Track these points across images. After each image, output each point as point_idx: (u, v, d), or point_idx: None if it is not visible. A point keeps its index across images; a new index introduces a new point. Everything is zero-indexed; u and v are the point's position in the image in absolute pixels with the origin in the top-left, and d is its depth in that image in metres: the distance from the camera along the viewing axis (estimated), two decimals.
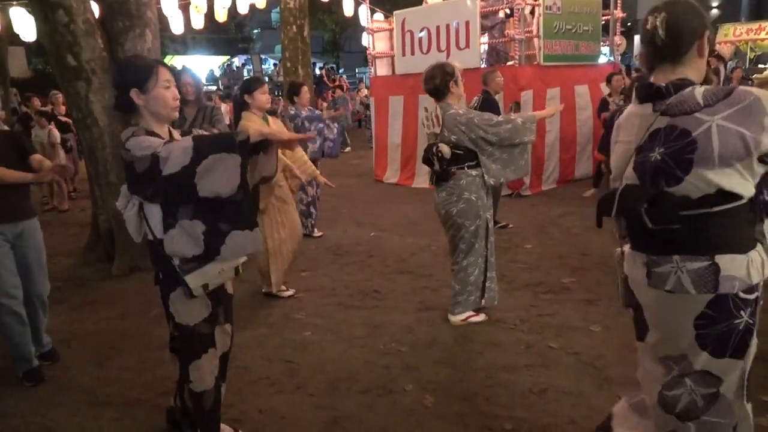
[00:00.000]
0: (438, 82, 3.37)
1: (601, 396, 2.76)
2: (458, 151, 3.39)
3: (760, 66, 15.95)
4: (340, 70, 26.56)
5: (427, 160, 3.48)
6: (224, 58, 27.54)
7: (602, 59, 9.02)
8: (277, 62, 24.30)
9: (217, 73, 25.16)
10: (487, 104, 5.81)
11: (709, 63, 9.24)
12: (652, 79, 1.64)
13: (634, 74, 10.34)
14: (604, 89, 7.63)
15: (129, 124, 2.14)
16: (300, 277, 4.61)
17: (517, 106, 6.40)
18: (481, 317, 3.64)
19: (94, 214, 5.28)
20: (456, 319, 3.60)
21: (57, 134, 7.88)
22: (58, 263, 5.18)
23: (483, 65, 7.85)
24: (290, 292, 4.25)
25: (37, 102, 9.65)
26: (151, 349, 3.47)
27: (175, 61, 24.17)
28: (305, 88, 5.75)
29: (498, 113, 5.88)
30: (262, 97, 3.92)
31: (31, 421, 2.78)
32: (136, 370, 3.23)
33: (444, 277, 4.48)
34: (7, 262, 3.01)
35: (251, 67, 27.04)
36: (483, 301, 3.65)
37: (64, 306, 4.23)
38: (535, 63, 7.71)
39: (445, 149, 3.37)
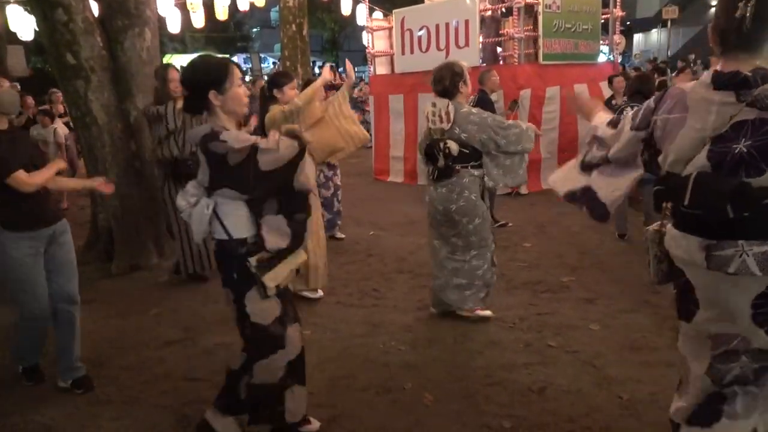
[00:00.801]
0: (447, 83, 3.41)
1: (600, 394, 2.77)
2: (465, 150, 3.41)
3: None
4: (340, 69, 26.55)
5: (431, 155, 3.49)
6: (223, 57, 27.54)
7: (602, 58, 9.02)
8: (276, 61, 24.27)
9: None
10: (483, 103, 5.81)
11: None
12: (720, 67, 1.62)
13: (633, 72, 10.34)
14: (606, 91, 7.63)
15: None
16: (299, 275, 4.60)
17: (515, 104, 6.40)
18: (488, 312, 3.66)
19: (93, 212, 5.28)
20: (466, 313, 3.63)
21: (62, 133, 7.76)
22: None
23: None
24: (320, 294, 4.17)
25: (30, 101, 9.53)
26: (151, 348, 3.48)
27: (174, 59, 24.14)
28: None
29: (494, 112, 5.89)
30: (291, 92, 3.92)
31: (31, 419, 2.78)
32: (135, 369, 3.24)
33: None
34: (39, 270, 2.89)
35: (250, 65, 27.03)
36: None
37: None
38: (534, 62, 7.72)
39: (453, 146, 3.38)
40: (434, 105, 3.43)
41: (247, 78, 20.62)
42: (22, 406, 2.90)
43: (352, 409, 2.73)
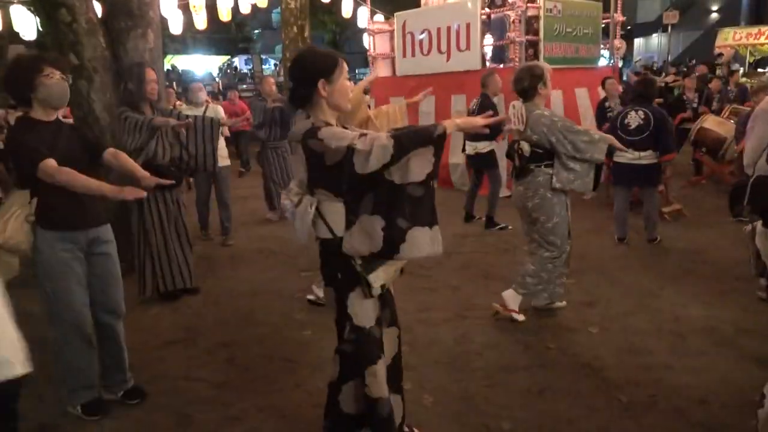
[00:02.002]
0: (526, 85, 3.51)
1: (599, 397, 2.78)
2: (538, 150, 3.50)
3: (759, 70, 15.99)
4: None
5: (510, 155, 3.68)
6: (225, 58, 27.53)
7: (602, 62, 9.05)
8: (278, 62, 24.32)
9: (216, 73, 25.10)
10: (487, 106, 5.83)
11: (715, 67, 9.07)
12: None
13: (633, 78, 10.38)
14: (600, 93, 7.66)
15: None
16: (300, 277, 4.62)
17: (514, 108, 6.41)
18: (521, 317, 3.65)
19: None
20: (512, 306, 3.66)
21: None
22: None
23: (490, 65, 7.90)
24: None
25: None
26: (150, 348, 3.49)
27: (176, 60, 24.17)
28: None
29: (496, 114, 5.91)
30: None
31: (31, 419, 2.79)
32: (135, 368, 3.23)
33: (443, 278, 4.50)
34: (75, 276, 2.61)
35: (251, 66, 27.05)
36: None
37: None
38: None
39: (525, 146, 3.52)
40: (513, 106, 3.57)
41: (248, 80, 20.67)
42: (22, 406, 2.89)
43: None
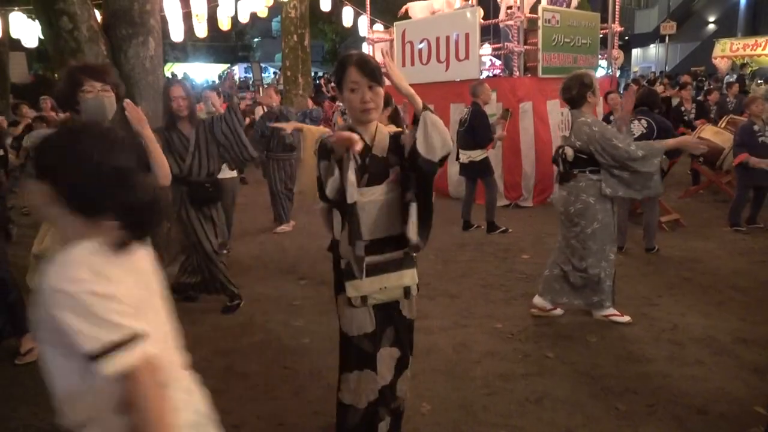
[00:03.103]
0: (574, 93, 3.58)
1: (597, 405, 2.78)
2: (582, 155, 3.56)
3: (758, 81, 16.10)
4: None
5: (555, 160, 3.79)
6: (224, 66, 27.64)
7: (600, 72, 9.10)
8: (278, 71, 24.41)
9: (217, 82, 25.13)
10: (477, 115, 5.88)
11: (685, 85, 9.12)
12: None
13: (633, 86, 10.43)
14: (601, 107, 7.70)
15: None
16: (299, 285, 4.62)
17: (507, 113, 6.43)
18: (626, 318, 3.72)
19: None
20: (599, 314, 3.75)
21: None
22: None
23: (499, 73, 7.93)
24: None
25: (26, 109, 9.51)
26: None
27: (176, 68, 24.25)
28: None
29: (488, 124, 5.95)
30: None
31: (30, 424, 2.78)
32: None
33: (442, 286, 4.51)
34: None
35: (251, 74, 27.17)
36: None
37: None
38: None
39: (569, 152, 3.62)
40: (562, 114, 3.63)
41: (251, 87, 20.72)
42: (21, 411, 2.90)
43: None
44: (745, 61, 17.01)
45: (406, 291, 2.13)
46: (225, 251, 5.70)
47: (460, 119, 6.12)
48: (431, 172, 2.00)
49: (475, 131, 5.85)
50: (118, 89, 2.45)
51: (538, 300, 3.85)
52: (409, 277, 2.13)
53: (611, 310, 3.73)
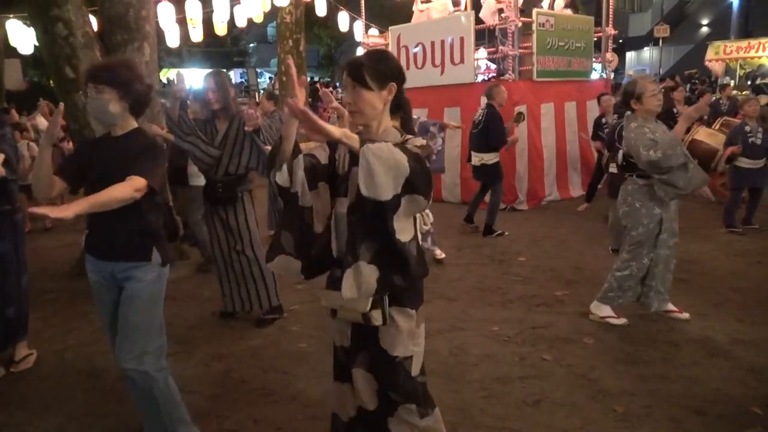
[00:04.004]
0: (620, 100, 3.77)
1: (595, 407, 2.78)
2: (631, 159, 3.62)
3: (749, 83, 16.17)
4: (337, 83, 26.76)
5: (606, 165, 3.98)
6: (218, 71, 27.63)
7: (594, 75, 9.15)
8: (273, 76, 24.45)
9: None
10: (493, 117, 5.89)
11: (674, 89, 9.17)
12: None
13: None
14: (595, 107, 7.73)
15: None
16: (295, 289, 4.61)
17: (521, 116, 6.44)
18: (622, 321, 3.76)
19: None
20: (596, 312, 3.83)
21: (36, 148, 7.58)
22: (53, 274, 5.17)
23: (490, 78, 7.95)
24: None
25: (15, 115, 9.42)
26: None
27: (172, 74, 24.24)
28: None
29: (503, 127, 5.97)
30: None
31: (25, 431, 2.77)
32: None
33: (439, 289, 4.51)
34: (104, 308, 2.46)
35: (246, 80, 27.20)
36: (640, 300, 3.77)
37: (59, 317, 4.22)
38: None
39: (620, 156, 3.78)
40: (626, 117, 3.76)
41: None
42: (17, 417, 2.89)
43: None
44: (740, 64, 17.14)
45: (365, 317, 1.82)
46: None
47: (474, 120, 6.13)
48: (388, 211, 1.68)
49: (489, 133, 5.87)
50: (130, 87, 2.29)
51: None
52: (365, 304, 1.80)
53: (608, 311, 3.77)
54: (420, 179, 1.66)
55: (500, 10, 7.89)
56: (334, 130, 1.63)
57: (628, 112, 3.68)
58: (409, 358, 1.90)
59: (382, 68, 1.84)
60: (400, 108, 1.94)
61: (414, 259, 1.82)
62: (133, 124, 2.40)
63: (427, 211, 2.08)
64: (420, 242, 1.96)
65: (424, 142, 1.81)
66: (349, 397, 2.08)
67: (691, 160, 3.49)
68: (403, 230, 1.77)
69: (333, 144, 1.95)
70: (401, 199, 1.67)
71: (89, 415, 2.89)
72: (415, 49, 8.38)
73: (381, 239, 1.75)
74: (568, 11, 8.74)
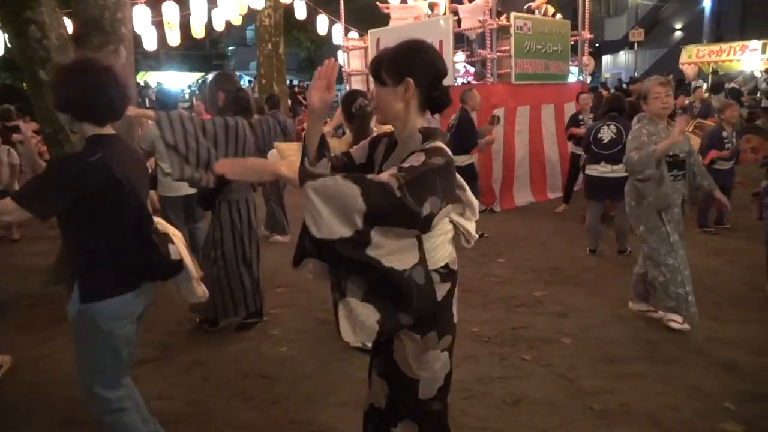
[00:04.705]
0: (640, 100, 3.75)
1: (574, 406, 2.82)
2: None
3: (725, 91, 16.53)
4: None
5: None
6: (199, 75, 27.39)
7: (571, 78, 9.28)
8: (252, 79, 24.29)
9: (187, 90, 24.65)
10: (465, 121, 5.94)
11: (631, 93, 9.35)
12: None
13: (604, 92, 10.67)
14: (572, 110, 7.84)
15: None
16: (276, 293, 4.59)
17: (495, 119, 6.51)
18: (678, 323, 3.63)
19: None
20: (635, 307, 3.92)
21: (16, 155, 7.37)
22: (29, 281, 5.08)
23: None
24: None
25: None
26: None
27: (149, 77, 23.96)
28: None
29: (474, 130, 6.03)
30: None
31: None
32: None
33: None
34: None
35: None
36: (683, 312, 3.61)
37: (36, 324, 4.14)
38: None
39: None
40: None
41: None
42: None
43: (329, 425, 2.73)
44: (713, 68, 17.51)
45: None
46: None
47: (449, 124, 6.19)
48: (357, 245, 1.50)
49: (461, 136, 5.91)
50: (59, 95, 2.10)
51: (632, 305, 3.97)
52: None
53: (675, 316, 3.64)
54: (391, 213, 1.47)
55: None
56: (266, 169, 1.55)
57: (641, 113, 3.73)
58: (416, 380, 1.75)
59: (399, 61, 1.66)
60: (436, 108, 1.73)
61: (418, 290, 1.59)
62: (89, 131, 2.05)
63: (468, 226, 1.83)
64: None
65: (441, 147, 1.62)
66: (367, 389, 2.00)
67: (666, 178, 3.54)
68: (396, 257, 1.54)
69: (374, 143, 1.86)
70: (370, 233, 1.48)
71: (67, 424, 2.84)
72: None
73: (370, 272, 1.54)
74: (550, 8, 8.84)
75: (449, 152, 1.63)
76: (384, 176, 1.50)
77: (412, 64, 1.65)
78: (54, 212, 1.99)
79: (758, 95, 15.42)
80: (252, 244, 3.88)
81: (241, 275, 3.83)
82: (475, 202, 1.86)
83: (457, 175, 1.74)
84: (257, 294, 3.93)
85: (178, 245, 2.23)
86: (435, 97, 1.68)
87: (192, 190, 4.67)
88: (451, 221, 1.79)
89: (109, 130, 2.09)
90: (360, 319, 1.57)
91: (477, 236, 1.81)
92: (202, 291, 2.34)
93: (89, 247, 2.05)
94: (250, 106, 3.84)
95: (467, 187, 1.84)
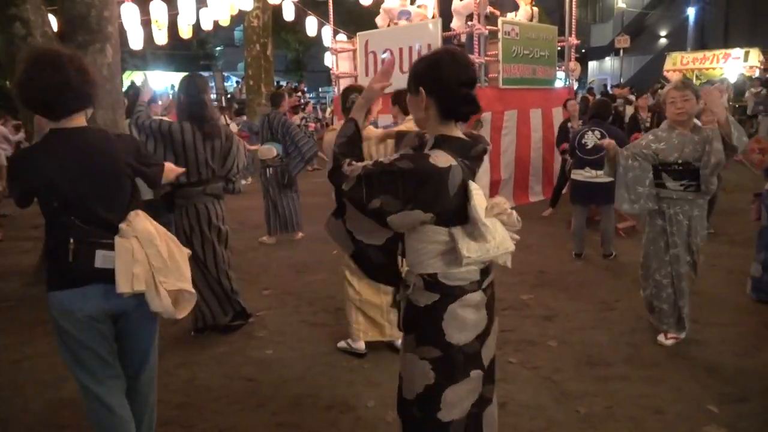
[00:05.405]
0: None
1: (559, 409, 2.83)
2: None
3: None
4: (305, 88, 26.66)
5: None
6: (184, 75, 27.21)
7: (558, 83, 9.36)
8: (240, 80, 24.20)
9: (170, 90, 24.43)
10: None
11: (615, 96, 9.46)
12: None
13: (590, 97, 10.77)
14: (560, 115, 7.91)
15: None
16: (262, 295, 4.57)
17: (478, 123, 6.55)
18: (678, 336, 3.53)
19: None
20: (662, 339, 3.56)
21: (2, 154, 7.30)
22: (10, 282, 5.00)
23: None
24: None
25: None
26: None
27: (136, 77, 23.74)
28: None
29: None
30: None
31: None
32: None
33: None
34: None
35: (213, 84, 26.83)
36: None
37: (16, 326, 4.08)
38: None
39: None
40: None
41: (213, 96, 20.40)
42: None
43: (315, 428, 2.72)
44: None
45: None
46: None
47: None
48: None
49: None
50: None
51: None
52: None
53: (670, 334, 3.54)
54: (339, 193, 1.72)
55: (469, 17, 7.99)
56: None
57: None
58: (401, 375, 1.81)
59: (414, 73, 1.74)
60: (456, 116, 1.74)
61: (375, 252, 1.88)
62: (48, 126, 2.00)
63: (467, 247, 1.71)
64: None
65: (423, 154, 1.67)
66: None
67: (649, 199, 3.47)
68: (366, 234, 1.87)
69: (422, 133, 1.88)
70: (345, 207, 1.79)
71: (48, 427, 2.80)
72: (383, 55, 8.42)
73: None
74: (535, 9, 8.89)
75: (435, 161, 1.61)
76: (359, 164, 1.66)
77: (424, 76, 1.72)
78: (23, 202, 2.04)
79: (745, 97, 15.57)
80: (207, 249, 3.75)
81: (219, 276, 3.81)
82: (489, 232, 1.79)
83: (476, 198, 1.73)
84: (226, 300, 3.87)
85: (119, 254, 2.03)
86: (452, 106, 1.72)
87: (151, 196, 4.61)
88: (451, 234, 1.71)
89: (72, 123, 1.96)
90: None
91: (474, 258, 1.72)
92: (161, 304, 2.27)
93: (54, 238, 2.03)
94: (203, 114, 3.64)
95: (480, 218, 1.74)
